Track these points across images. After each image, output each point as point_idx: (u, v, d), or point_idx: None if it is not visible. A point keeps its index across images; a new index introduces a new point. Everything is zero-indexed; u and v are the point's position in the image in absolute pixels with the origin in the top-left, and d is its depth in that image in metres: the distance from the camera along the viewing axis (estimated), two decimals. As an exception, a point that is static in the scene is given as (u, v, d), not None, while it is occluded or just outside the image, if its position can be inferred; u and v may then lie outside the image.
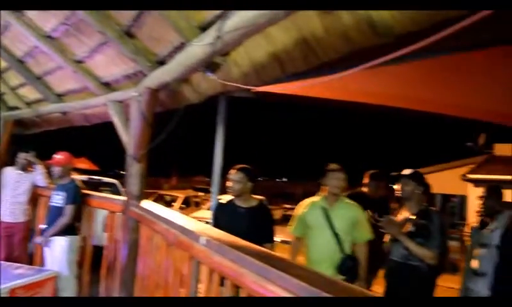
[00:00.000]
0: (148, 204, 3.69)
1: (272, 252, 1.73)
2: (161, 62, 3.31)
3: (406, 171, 3.49)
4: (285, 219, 14.14)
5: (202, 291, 2.35)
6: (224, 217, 3.64)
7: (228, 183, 3.63)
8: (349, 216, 3.54)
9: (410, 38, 1.82)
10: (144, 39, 3.33)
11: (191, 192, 17.82)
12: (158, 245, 3.17)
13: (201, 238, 2.10)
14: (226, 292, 1.89)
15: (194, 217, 4.97)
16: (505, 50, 2.48)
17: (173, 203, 16.07)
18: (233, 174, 3.59)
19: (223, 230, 3.55)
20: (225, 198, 3.76)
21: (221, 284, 2.08)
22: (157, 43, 3.31)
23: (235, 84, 2.52)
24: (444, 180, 15.01)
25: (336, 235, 3.49)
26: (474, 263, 3.54)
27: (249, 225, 3.51)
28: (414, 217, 3.37)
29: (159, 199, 16.65)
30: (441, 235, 3.28)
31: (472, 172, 14.11)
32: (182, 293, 2.64)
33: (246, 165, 3.66)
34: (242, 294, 1.72)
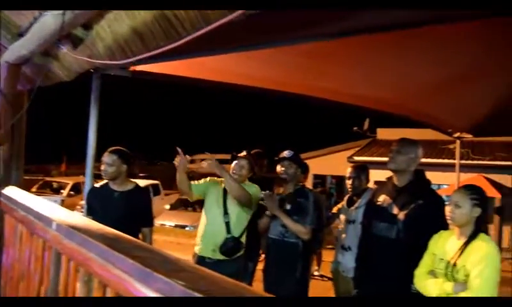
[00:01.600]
0: (12, 191, 3.37)
1: (121, 234, 1.65)
2: (22, 35, 3.02)
3: (287, 153, 3.60)
4: (181, 204, 13.98)
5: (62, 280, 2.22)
6: (98, 202, 3.47)
7: (102, 166, 3.46)
8: None
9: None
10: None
11: (81, 179, 16.89)
12: (21, 234, 2.94)
13: (53, 223, 1.96)
14: (81, 278, 1.78)
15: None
16: (381, 39, 2.58)
17: (61, 190, 15.13)
18: (106, 156, 3.43)
19: (97, 215, 3.43)
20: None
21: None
22: (18, 13, 3.01)
23: (94, 61, 2.37)
24: (334, 162, 15.94)
25: (227, 215, 3.52)
26: (342, 238, 3.80)
27: (125, 209, 3.40)
28: (291, 195, 3.51)
29: (45, 187, 15.55)
30: (316, 212, 3.46)
31: (356, 154, 15.14)
32: (45, 282, 2.47)
33: (119, 147, 3.51)
34: (95, 279, 1.64)
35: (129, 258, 1.26)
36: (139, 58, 2.22)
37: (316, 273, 7.44)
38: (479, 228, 2.41)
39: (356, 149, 16.21)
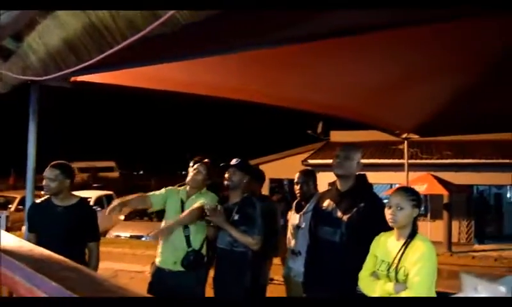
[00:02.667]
0: None
1: (52, 255, 1.59)
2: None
3: (234, 161, 3.60)
4: (137, 214, 13.71)
5: None
6: (40, 218, 3.35)
7: (44, 182, 3.34)
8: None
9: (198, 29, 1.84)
10: None
11: (31, 192, 16.25)
12: None
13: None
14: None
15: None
16: (328, 45, 2.62)
17: (9, 205, 14.49)
18: (47, 171, 3.32)
19: (39, 232, 3.30)
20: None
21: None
22: None
23: (17, 76, 2.29)
24: (290, 166, 16.09)
25: (187, 228, 3.48)
26: (292, 244, 3.83)
27: (69, 224, 3.29)
28: (238, 205, 3.50)
29: (-10, 201, 14.89)
30: (264, 221, 3.46)
31: (310, 157, 15.37)
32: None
33: (62, 162, 3.40)
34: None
35: (53, 281, 1.22)
36: (72, 70, 2.15)
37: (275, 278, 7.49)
38: (416, 228, 2.49)
39: (311, 152, 16.46)
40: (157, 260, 3.59)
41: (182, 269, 3.44)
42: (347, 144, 3.19)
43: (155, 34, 1.71)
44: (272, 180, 17.32)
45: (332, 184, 3.13)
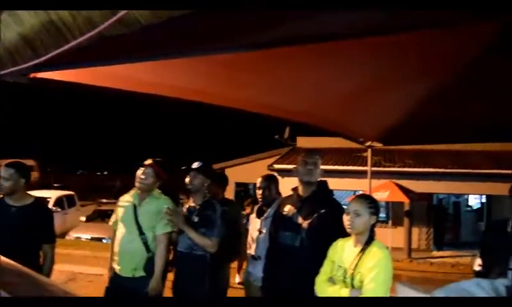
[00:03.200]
0: None
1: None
2: None
3: (195, 164, 3.58)
4: (99, 215, 13.42)
5: None
6: (-9, 218, 3.22)
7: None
8: (154, 210, 3.49)
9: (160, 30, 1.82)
10: None
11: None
12: None
13: None
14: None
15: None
16: (293, 52, 2.63)
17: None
18: (2, 170, 3.21)
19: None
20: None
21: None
22: None
23: None
24: (256, 170, 16.11)
25: (143, 234, 3.42)
26: (252, 249, 3.83)
27: (23, 225, 3.19)
28: (198, 208, 3.49)
29: None
30: (224, 223, 3.46)
31: (276, 162, 15.44)
32: None
33: (17, 161, 3.30)
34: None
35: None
36: (28, 65, 2.08)
37: (238, 280, 7.52)
38: (373, 235, 2.54)
39: (277, 157, 16.55)
40: (116, 268, 3.51)
41: (143, 274, 3.39)
42: (311, 151, 3.22)
43: (114, 34, 1.68)
44: (238, 184, 17.31)
45: (294, 190, 3.15)
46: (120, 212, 3.58)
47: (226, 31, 2.29)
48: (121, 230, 3.51)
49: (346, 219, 2.54)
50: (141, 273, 3.39)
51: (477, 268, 5.79)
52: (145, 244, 3.41)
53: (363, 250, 2.49)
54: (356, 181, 12.47)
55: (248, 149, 19.84)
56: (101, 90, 3.74)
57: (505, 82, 3.21)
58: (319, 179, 3.08)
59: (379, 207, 2.68)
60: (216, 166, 19.60)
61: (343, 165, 14.08)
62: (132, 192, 3.62)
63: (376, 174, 9.82)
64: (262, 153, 18.38)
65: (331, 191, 3.13)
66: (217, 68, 3.21)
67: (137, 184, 3.53)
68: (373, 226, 2.55)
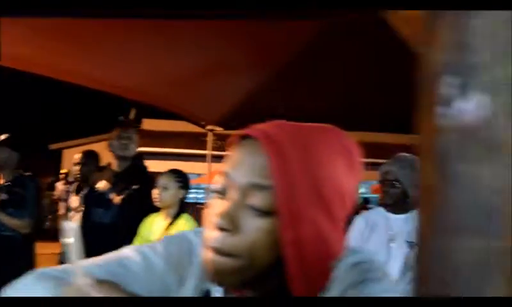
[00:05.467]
0: None
1: None
2: None
3: (1, 137, 3.29)
4: None
5: None
6: None
7: None
8: None
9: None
10: None
11: None
12: None
13: None
14: None
15: None
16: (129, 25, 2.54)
17: None
18: None
19: None
20: None
21: None
22: None
23: None
24: (100, 151, 15.30)
25: None
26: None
27: None
28: (7, 185, 3.22)
29: None
30: (36, 203, 3.26)
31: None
32: None
33: None
34: None
35: None
36: None
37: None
38: (183, 208, 2.70)
39: (122, 138, 15.95)
40: None
41: None
42: (125, 122, 3.21)
43: None
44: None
45: (108, 165, 3.12)
46: None
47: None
48: None
49: (155, 193, 2.65)
50: None
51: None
52: None
53: (171, 223, 2.61)
54: (199, 165, 12.65)
55: (94, 129, 18.72)
56: None
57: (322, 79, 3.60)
58: (134, 153, 3.07)
59: (188, 181, 2.81)
60: (55, 146, 18.13)
61: (189, 148, 14.21)
62: None
63: (218, 158, 10.08)
64: (106, 133, 17.48)
65: (145, 166, 3.15)
66: (57, 40, 2.98)
67: None
68: (182, 199, 2.69)
